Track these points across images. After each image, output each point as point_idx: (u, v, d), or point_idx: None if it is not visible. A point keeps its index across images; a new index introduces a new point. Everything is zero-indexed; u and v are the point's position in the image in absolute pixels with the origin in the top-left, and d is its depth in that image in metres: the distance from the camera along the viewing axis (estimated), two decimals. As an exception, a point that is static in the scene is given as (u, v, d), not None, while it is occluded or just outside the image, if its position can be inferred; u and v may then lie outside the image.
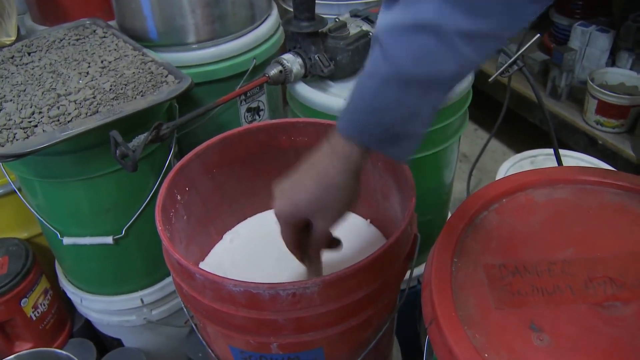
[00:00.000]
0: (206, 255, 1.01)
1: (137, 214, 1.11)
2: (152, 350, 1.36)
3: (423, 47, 0.58)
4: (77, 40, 1.18)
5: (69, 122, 0.92)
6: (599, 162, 1.47)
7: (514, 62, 1.13)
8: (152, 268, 1.23)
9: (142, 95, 0.98)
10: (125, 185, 1.07)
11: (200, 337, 0.90)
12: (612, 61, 2.05)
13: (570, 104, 2.08)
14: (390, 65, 0.60)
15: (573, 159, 1.49)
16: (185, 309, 0.87)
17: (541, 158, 1.51)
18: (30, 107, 0.95)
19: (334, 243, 0.78)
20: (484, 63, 0.62)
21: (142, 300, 1.24)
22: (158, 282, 1.26)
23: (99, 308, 1.27)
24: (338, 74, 1.08)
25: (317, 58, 1.05)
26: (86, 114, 0.94)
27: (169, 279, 1.26)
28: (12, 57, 1.12)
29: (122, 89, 0.99)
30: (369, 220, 1.04)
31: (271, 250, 0.97)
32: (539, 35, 1.20)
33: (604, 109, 1.89)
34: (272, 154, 1.00)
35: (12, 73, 1.07)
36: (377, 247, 0.73)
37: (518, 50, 1.15)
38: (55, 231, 1.12)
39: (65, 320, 1.39)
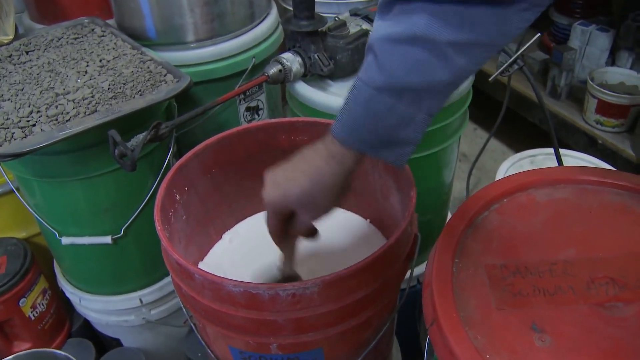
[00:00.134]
0: (205, 255, 1.01)
1: (135, 213, 1.10)
2: (151, 350, 1.36)
3: (415, 58, 0.59)
4: (76, 39, 1.17)
5: (67, 121, 0.92)
6: (598, 161, 1.47)
7: (514, 62, 1.13)
8: (151, 268, 1.23)
9: (140, 95, 0.98)
10: (124, 185, 1.07)
11: (200, 337, 0.90)
12: (612, 60, 2.04)
13: (570, 103, 2.07)
14: (384, 74, 0.61)
15: (573, 158, 1.48)
16: (184, 309, 0.87)
17: (541, 157, 1.51)
18: (28, 107, 0.94)
19: (313, 233, 0.80)
20: (479, 69, 0.63)
21: (141, 300, 1.24)
22: (157, 281, 1.26)
23: (98, 308, 1.26)
24: (338, 73, 1.08)
25: (316, 57, 1.04)
26: (84, 113, 0.93)
27: (167, 279, 1.26)
28: (10, 56, 1.11)
29: (120, 88, 0.99)
30: (368, 220, 1.04)
31: (270, 250, 0.97)
32: (539, 34, 1.19)
33: (604, 108, 1.88)
34: (272, 153, 1.00)
35: (10, 72, 1.06)
36: (377, 247, 0.73)
37: (518, 49, 1.14)
38: (53, 231, 1.11)
39: (64, 320, 1.38)
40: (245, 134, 0.97)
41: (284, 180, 0.71)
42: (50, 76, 1.04)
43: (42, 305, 1.28)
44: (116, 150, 0.87)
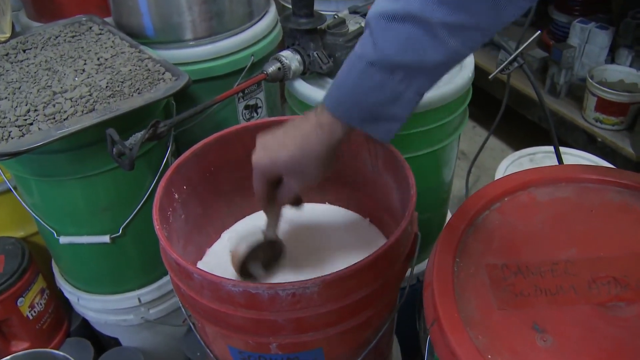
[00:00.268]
0: (204, 254, 1.00)
1: (134, 212, 1.10)
2: (149, 350, 1.35)
3: (409, 36, 0.61)
4: (73, 37, 1.17)
5: (64, 120, 0.91)
6: (598, 159, 1.47)
7: (514, 60, 1.13)
8: (149, 267, 1.22)
9: (139, 93, 0.97)
10: (122, 184, 1.06)
11: (199, 337, 0.89)
12: (612, 58, 2.04)
13: (569, 101, 2.07)
14: (377, 50, 0.63)
15: (572, 156, 1.48)
16: (183, 309, 0.86)
17: (540, 155, 1.51)
18: (26, 105, 0.94)
19: (298, 202, 0.83)
20: (472, 54, 0.64)
21: (139, 300, 1.23)
22: (155, 281, 1.25)
23: (96, 307, 1.26)
24: (337, 71, 1.06)
25: (315, 55, 1.04)
26: (82, 111, 0.93)
27: (166, 278, 1.25)
28: (6, 55, 1.11)
29: (118, 87, 0.98)
30: (368, 219, 1.03)
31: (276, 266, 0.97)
32: (539, 32, 1.19)
33: (604, 106, 1.88)
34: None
35: (7, 70, 1.06)
36: (377, 247, 0.72)
37: (518, 47, 1.14)
38: (51, 230, 1.11)
39: (63, 319, 1.38)
40: (244, 132, 0.97)
41: (274, 145, 0.73)
42: (47, 74, 1.03)
43: (40, 304, 1.28)
44: (114, 149, 0.87)
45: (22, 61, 1.09)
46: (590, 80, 1.89)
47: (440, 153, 1.12)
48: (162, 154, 1.10)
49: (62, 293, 1.31)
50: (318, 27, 1.03)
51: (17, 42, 1.14)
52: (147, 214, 0.81)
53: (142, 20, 1.16)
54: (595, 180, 0.84)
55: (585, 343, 0.63)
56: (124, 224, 1.10)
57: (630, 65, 1.97)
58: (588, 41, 2.03)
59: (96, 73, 1.03)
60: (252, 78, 1.05)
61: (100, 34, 1.18)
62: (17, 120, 0.91)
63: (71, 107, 0.93)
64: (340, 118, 0.69)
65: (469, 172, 1.61)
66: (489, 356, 0.61)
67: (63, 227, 1.11)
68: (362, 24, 1.08)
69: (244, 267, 0.87)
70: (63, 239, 1.11)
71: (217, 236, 1.03)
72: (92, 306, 1.26)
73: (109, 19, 1.26)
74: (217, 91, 1.03)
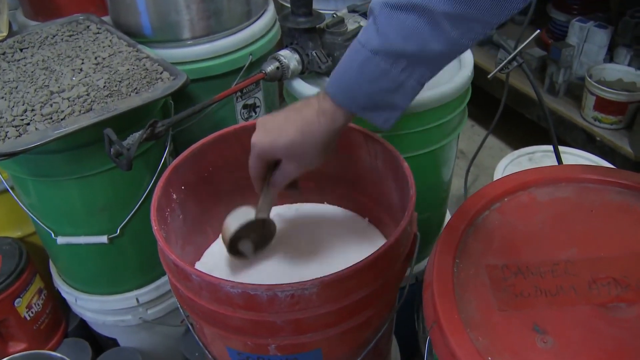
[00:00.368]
0: (202, 255, 1.00)
1: (132, 212, 1.09)
2: (147, 350, 1.35)
3: (412, 25, 0.62)
4: (70, 36, 1.16)
5: (62, 120, 0.91)
6: (597, 158, 1.47)
7: (514, 59, 1.12)
8: (147, 267, 1.22)
9: (136, 93, 0.97)
10: (120, 184, 1.06)
11: (197, 338, 0.89)
12: (610, 57, 2.04)
13: (567, 100, 2.07)
14: (380, 38, 0.64)
15: (571, 155, 1.48)
16: (181, 309, 0.86)
17: (539, 155, 1.51)
18: (23, 105, 0.93)
19: (294, 185, 0.83)
20: (473, 46, 0.64)
21: (137, 300, 1.23)
22: (153, 281, 1.25)
23: (94, 308, 1.25)
24: (336, 71, 1.06)
25: (314, 54, 1.03)
26: (79, 111, 0.92)
27: (164, 278, 1.25)
28: (3, 54, 1.10)
29: (116, 86, 0.98)
30: (367, 219, 1.03)
31: (268, 249, 0.96)
32: (538, 31, 1.18)
33: (602, 105, 1.88)
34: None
35: (4, 70, 1.05)
36: (376, 247, 0.72)
37: (517, 46, 1.14)
38: (49, 230, 1.10)
39: (60, 320, 1.37)
40: (243, 132, 0.96)
41: (275, 128, 0.74)
42: (44, 74, 1.02)
43: (38, 305, 1.27)
44: (112, 149, 0.86)
45: (19, 60, 1.08)
46: (589, 79, 1.88)
47: (440, 152, 1.11)
48: (160, 153, 1.09)
49: (60, 293, 1.31)
50: (317, 26, 1.02)
51: (14, 41, 1.14)
52: (145, 214, 0.81)
53: (139, 19, 1.16)
54: (595, 181, 0.84)
55: (586, 344, 0.63)
56: (122, 224, 1.09)
57: (629, 64, 1.96)
58: (587, 40, 2.02)
59: (94, 72, 1.02)
60: (250, 77, 1.04)
61: (98, 33, 1.17)
62: (14, 120, 0.90)
63: (68, 106, 0.93)
64: (341, 105, 0.70)
65: (468, 171, 1.60)
66: (489, 358, 0.61)
67: (60, 227, 1.10)
68: (361, 23, 1.07)
69: (234, 244, 0.88)
70: (60, 239, 1.10)
71: (216, 236, 1.03)
72: (90, 306, 1.26)
73: (106, 18, 1.25)
74: (215, 90, 1.02)
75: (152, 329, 1.33)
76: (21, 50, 1.12)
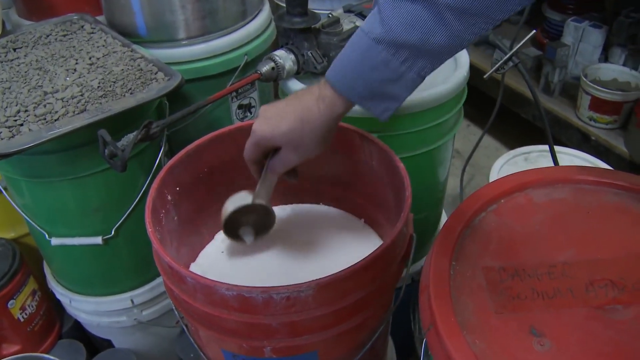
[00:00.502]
0: (197, 256, 1.00)
1: (126, 213, 1.09)
2: (143, 351, 1.35)
3: (415, 16, 0.63)
4: (64, 36, 1.15)
5: (55, 120, 0.90)
6: (592, 158, 1.47)
7: (510, 59, 1.12)
8: (142, 268, 1.21)
9: (131, 93, 0.96)
10: (114, 185, 1.05)
11: (192, 340, 0.89)
12: (605, 57, 2.04)
13: (563, 100, 2.07)
14: (384, 27, 0.64)
15: (567, 155, 1.48)
16: (176, 311, 0.85)
17: (535, 154, 1.51)
18: (16, 105, 0.93)
19: (292, 174, 0.84)
20: (474, 41, 0.65)
21: (132, 301, 1.22)
22: (148, 282, 1.24)
23: (89, 309, 1.25)
24: (331, 71, 1.06)
25: (310, 54, 1.03)
26: (73, 112, 0.92)
27: (159, 279, 1.24)
28: (-4, 54, 1.09)
29: (110, 87, 0.97)
30: (363, 220, 1.02)
31: (263, 250, 0.96)
32: (534, 31, 1.18)
33: (597, 105, 1.88)
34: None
35: (-3, 70, 1.04)
36: (372, 247, 0.72)
37: (512, 46, 1.13)
38: (43, 231, 1.09)
39: (54, 321, 1.37)
40: (238, 132, 0.96)
41: (275, 116, 0.74)
42: (38, 74, 1.02)
43: (32, 306, 1.26)
44: (106, 150, 0.86)
45: (12, 60, 1.07)
46: (584, 79, 1.89)
47: (436, 153, 1.11)
48: (155, 154, 1.09)
49: (54, 295, 1.30)
50: (312, 26, 1.02)
51: (7, 41, 1.13)
52: (140, 215, 0.81)
53: (134, 18, 1.15)
54: (591, 182, 0.83)
55: (583, 347, 0.62)
56: (116, 225, 1.09)
57: (624, 64, 1.97)
58: (582, 40, 2.03)
59: (88, 73, 1.01)
60: (245, 78, 1.04)
61: (92, 32, 1.16)
62: (7, 120, 0.90)
63: (62, 107, 0.92)
64: (341, 93, 0.70)
65: (464, 170, 1.60)
66: (486, 361, 0.61)
67: (54, 228, 1.10)
68: (357, 24, 1.07)
69: (231, 228, 0.89)
70: (54, 241, 1.09)
71: (211, 238, 1.02)
72: (85, 308, 1.25)
73: (100, 18, 1.24)
74: (210, 91, 1.02)
75: (147, 330, 1.32)
76: (14, 50, 1.11)
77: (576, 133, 1.97)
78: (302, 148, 0.75)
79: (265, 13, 1.30)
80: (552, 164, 1.23)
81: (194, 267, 0.97)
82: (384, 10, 0.64)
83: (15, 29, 1.25)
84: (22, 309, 1.24)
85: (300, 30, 1.01)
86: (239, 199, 0.87)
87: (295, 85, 1.06)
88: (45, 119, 0.90)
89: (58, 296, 1.28)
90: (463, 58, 1.10)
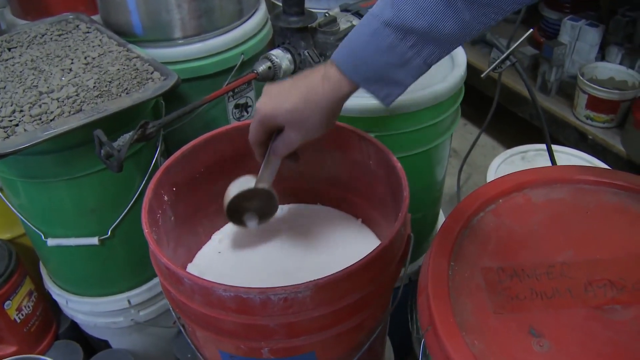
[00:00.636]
0: (194, 256, 0.99)
1: (123, 214, 1.08)
2: (140, 351, 1.34)
3: (426, 2, 0.63)
4: (60, 35, 1.15)
5: (51, 121, 0.89)
6: (589, 157, 1.47)
7: (507, 58, 1.12)
8: (139, 269, 1.21)
9: (127, 93, 0.96)
10: (111, 185, 1.05)
11: (189, 341, 0.88)
12: (602, 56, 2.04)
13: (560, 98, 2.07)
14: (394, 10, 0.64)
15: (564, 154, 1.48)
16: (173, 312, 0.85)
17: (532, 153, 1.51)
18: (11, 106, 0.92)
19: (294, 156, 0.83)
20: (482, 32, 0.65)
21: (129, 302, 1.22)
22: (145, 282, 1.24)
23: (86, 310, 1.24)
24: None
25: (306, 54, 1.02)
26: (69, 112, 0.91)
27: (156, 280, 1.24)
28: (-9, 53, 1.09)
29: (106, 87, 0.96)
30: (360, 219, 1.02)
31: (260, 250, 0.96)
32: (531, 30, 1.18)
33: (594, 103, 1.88)
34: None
35: (-8, 70, 1.04)
36: (369, 247, 0.72)
37: (509, 45, 1.13)
38: (39, 232, 1.09)
39: (51, 322, 1.36)
40: (234, 132, 0.95)
41: (279, 94, 0.74)
42: (33, 74, 1.01)
43: (28, 307, 1.26)
44: (102, 151, 0.85)
45: (7, 60, 1.06)
46: (581, 78, 1.89)
47: (433, 152, 1.11)
48: (151, 154, 1.08)
49: (51, 295, 1.29)
50: (309, 26, 1.02)
51: (2, 41, 1.12)
52: (136, 215, 0.80)
53: (130, 18, 1.15)
54: (590, 182, 0.83)
55: (582, 347, 0.62)
56: (113, 225, 1.08)
57: (621, 63, 1.97)
58: (578, 38, 2.03)
59: (83, 72, 1.01)
60: (242, 77, 1.03)
61: (88, 32, 1.16)
62: (2, 121, 0.89)
63: (58, 107, 0.91)
64: (346, 74, 0.70)
65: (461, 170, 1.60)
66: (485, 362, 0.61)
67: (50, 229, 1.09)
68: (354, 23, 1.06)
69: (233, 212, 0.89)
70: (51, 241, 1.09)
71: (208, 238, 1.02)
72: (81, 308, 1.24)
73: (96, 17, 1.24)
74: (206, 90, 1.01)
75: (144, 331, 1.32)
76: (9, 49, 1.10)
77: (573, 132, 1.97)
78: (305, 127, 0.74)
79: (261, 12, 1.30)
80: (549, 163, 1.23)
81: (191, 268, 0.96)
82: None
83: (10, 28, 1.24)
84: (19, 309, 1.23)
85: (297, 29, 1.01)
86: (242, 183, 0.86)
87: (292, 84, 1.05)
88: (40, 119, 0.90)
89: (54, 297, 1.28)
90: (460, 57, 1.10)
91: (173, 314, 0.86)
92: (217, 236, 1.02)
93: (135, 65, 1.03)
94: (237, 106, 1.27)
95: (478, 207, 0.80)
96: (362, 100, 0.99)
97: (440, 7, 0.62)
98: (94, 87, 0.96)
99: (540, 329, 0.64)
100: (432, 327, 0.65)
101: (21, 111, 0.91)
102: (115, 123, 0.93)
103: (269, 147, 0.79)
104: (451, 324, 0.63)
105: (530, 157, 1.50)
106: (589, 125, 1.93)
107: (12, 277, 1.20)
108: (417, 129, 1.03)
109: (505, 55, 1.11)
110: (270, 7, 1.49)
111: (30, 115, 0.90)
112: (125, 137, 0.88)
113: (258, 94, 1.29)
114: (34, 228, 1.09)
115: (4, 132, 0.87)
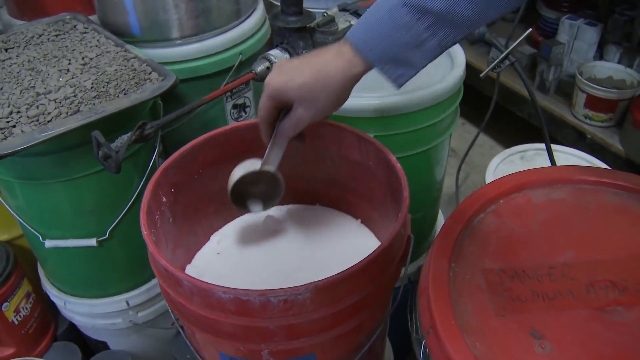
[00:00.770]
0: (193, 257, 0.99)
1: (121, 215, 1.08)
2: (138, 353, 1.34)
3: None
4: (57, 36, 1.14)
5: (48, 122, 0.89)
6: (588, 156, 1.46)
7: (506, 57, 1.11)
8: (137, 270, 1.20)
9: (124, 94, 0.95)
10: (109, 186, 1.04)
11: (188, 343, 0.88)
12: (600, 55, 2.04)
13: (558, 98, 2.07)
14: None
15: (563, 153, 1.48)
16: (171, 314, 0.84)
17: (531, 153, 1.50)
18: (8, 107, 0.91)
19: (301, 136, 0.81)
20: (496, 18, 0.65)
21: (127, 303, 1.21)
22: (144, 284, 1.23)
23: (84, 311, 1.24)
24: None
25: (305, 54, 1.02)
26: (67, 113, 0.90)
27: (154, 281, 1.24)
28: (-12, 54, 1.08)
29: (104, 87, 0.96)
30: (359, 220, 1.02)
31: (259, 251, 0.95)
32: (530, 29, 1.18)
33: (593, 102, 1.88)
34: (259, 152, 0.98)
35: (-11, 70, 1.03)
36: (369, 248, 0.71)
37: (508, 44, 1.13)
38: (36, 234, 1.08)
39: (49, 323, 1.35)
40: (233, 133, 0.95)
41: (290, 69, 0.73)
42: (30, 75, 1.01)
43: (26, 309, 1.25)
44: (100, 152, 0.85)
45: (3, 61, 1.06)
46: (580, 77, 1.89)
47: (432, 152, 1.11)
48: (149, 155, 1.08)
49: (48, 297, 1.29)
50: (307, 26, 1.01)
51: (-1, 41, 1.12)
52: (135, 216, 0.80)
53: (127, 18, 1.14)
54: (591, 182, 0.83)
55: (584, 349, 0.62)
56: (111, 227, 1.08)
57: (619, 62, 1.97)
58: (577, 37, 2.03)
59: (81, 73, 1.00)
60: (240, 77, 1.03)
61: (85, 32, 1.15)
62: (-1, 122, 0.89)
63: (55, 108, 0.91)
64: (359, 52, 0.69)
65: (459, 169, 1.60)
66: (487, 364, 0.60)
67: (48, 230, 1.09)
68: (352, 22, 1.06)
69: (238, 196, 0.87)
70: (48, 243, 1.08)
71: (206, 239, 1.02)
72: (80, 310, 1.24)
73: (93, 17, 1.23)
74: (204, 90, 1.01)
75: (142, 332, 1.31)
76: (6, 50, 1.10)
77: (572, 131, 1.97)
78: (315, 105, 0.73)
79: (259, 12, 1.29)
80: (548, 163, 1.23)
81: (190, 269, 0.96)
82: None
83: (7, 28, 1.23)
84: (16, 311, 1.23)
85: (295, 29, 1.01)
86: (248, 166, 0.85)
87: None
88: (38, 120, 0.89)
89: (53, 298, 1.27)
90: (459, 57, 1.10)
91: (172, 316, 0.85)
92: (216, 237, 1.02)
93: (133, 65, 1.02)
94: (235, 106, 1.27)
95: (478, 207, 0.79)
96: (362, 100, 0.99)
97: None
98: (91, 87, 0.96)
99: (541, 330, 0.63)
100: (433, 328, 0.64)
101: (18, 112, 0.91)
102: (113, 124, 0.93)
103: (276, 128, 0.78)
104: (452, 325, 0.63)
105: (529, 156, 1.50)
106: (587, 125, 1.93)
107: (9, 278, 1.20)
108: (417, 129, 1.03)
109: (504, 54, 1.10)
110: (269, 6, 1.49)
111: (28, 117, 0.90)
112: (123, 138, 0.87)
113: (256, 94, 1.30)
114: (31, 229, 1.09)
115: (1, 133, 0.87)
